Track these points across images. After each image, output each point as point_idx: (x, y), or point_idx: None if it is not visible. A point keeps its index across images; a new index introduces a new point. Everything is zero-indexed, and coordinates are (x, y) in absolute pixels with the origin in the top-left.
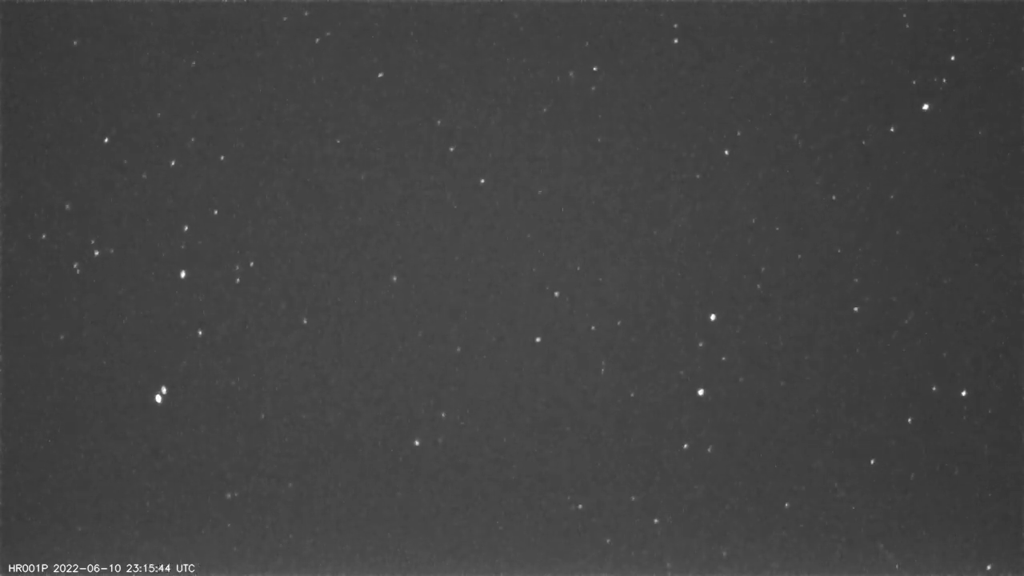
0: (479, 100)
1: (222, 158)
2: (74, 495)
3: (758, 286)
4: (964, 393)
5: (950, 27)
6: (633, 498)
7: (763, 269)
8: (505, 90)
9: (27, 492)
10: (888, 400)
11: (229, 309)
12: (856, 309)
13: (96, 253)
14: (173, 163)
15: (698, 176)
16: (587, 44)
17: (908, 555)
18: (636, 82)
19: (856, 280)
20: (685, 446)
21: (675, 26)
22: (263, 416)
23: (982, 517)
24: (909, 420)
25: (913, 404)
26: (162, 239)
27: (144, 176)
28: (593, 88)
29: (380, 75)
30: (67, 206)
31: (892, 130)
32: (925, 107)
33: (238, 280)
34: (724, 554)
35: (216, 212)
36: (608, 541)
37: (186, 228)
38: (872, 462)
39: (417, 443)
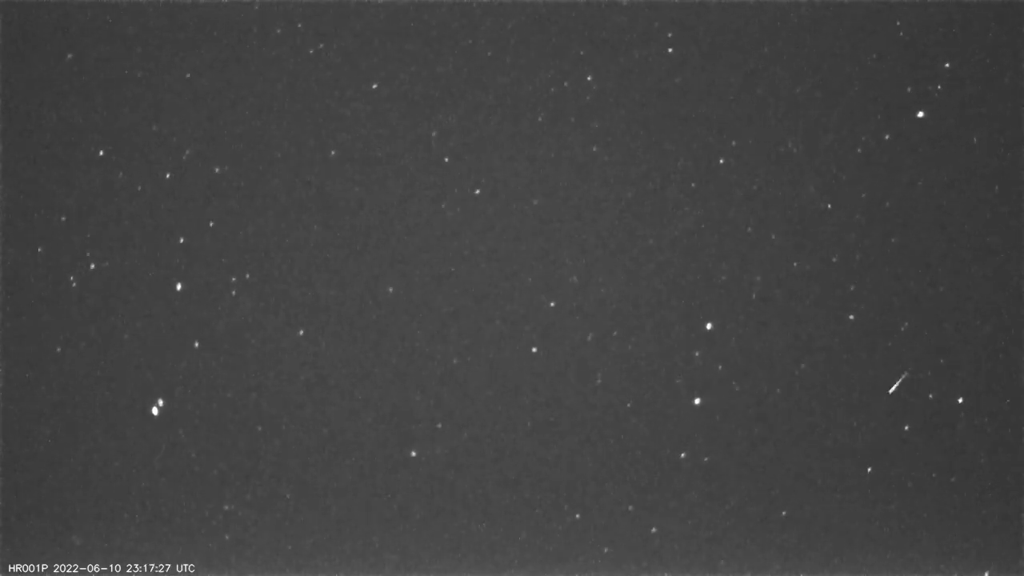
0: (473, 110)
1: (217, 170)
2: (74, 495)
3: (754, 295)
4: (961, 400)
5: (945, 34)
6: (630, 507)
7: (758, 278)
8: (498, 101)
9: (27, 492)
10: (884, 408)
11: (225, 321)
12: (851, 317)
13: (92, 266)
14: (168, 175)
15: (693, 185)
16: (581, 54)
17: (908, 559)
18: (630, 93)
19: (852, 288)
20: (682, 455)
21: (669, 35)
22: (260, 428)
23: (980, 525)
24: (906, 427)
25: (909, 411)
26: (158, 251)
27: (139, 188)
28: (588, 98)
29: (374, 86)
30: (63, 218)
31: (887, 138)
32: (920, 115)
33: (234, 292)
34: (721, 563)
35: (212, 224)
36: (606, 550)
37: (182, 240)
38: (869, 470)
39: (414, 454)
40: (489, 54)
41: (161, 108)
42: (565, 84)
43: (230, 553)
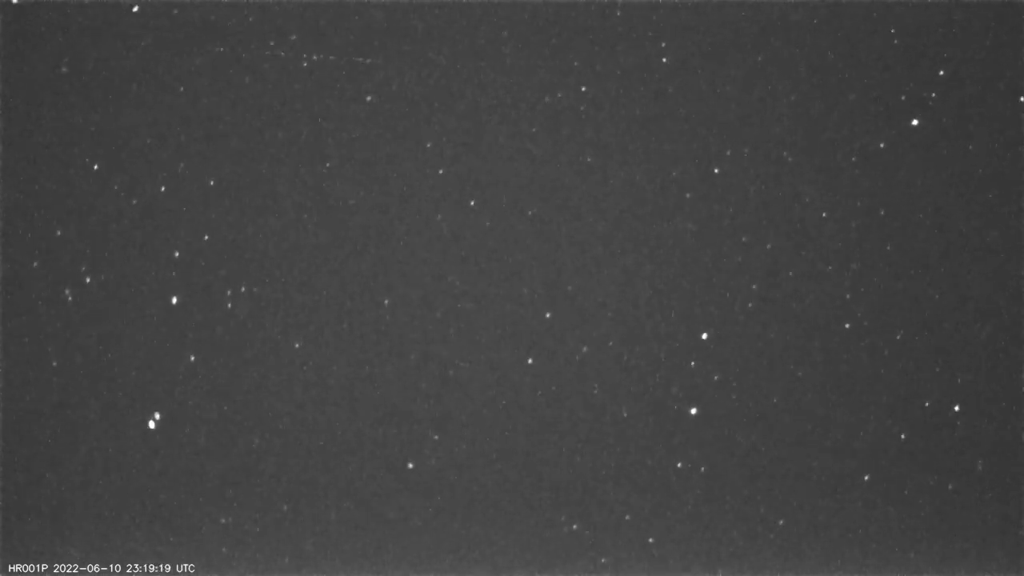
0: (469, 117)
1: (212, 183)
2: (74, 495)
3: (750, 304)
4: (957, 408)
5: (940, 41)
6: (627, 517)
7: (754, 287)
8: (494, 107)
9: (27, 492)
10: (881, 416)
11: (221, 334)
12: (848, 325)
13: (88, 280)
14: (163, 188)
15: (688, 194)
16: (576, 63)
17: (906, 572)
18: (625, 101)
19: (848, 296)
20: (678, 465)
21: (663, 45)
22: (256, 443)
23: (979, 533)
24: (903, 436)
25: (906, 419)
26: (153, 265)
27: (134, 202)
28: (582, 108)
29: (368, 98)
30: (58, 232)
31: (882, 146)
32: (914, 122)
33: (229, 305)
34: (719, 572)
35: (207, 237)
36: (603, 560)
37: (177, 254)
38: (866, 478)
39: (411, 465)
40: (484, 60)
41: (157, 115)
42: (559, 95)
43: (230, 554)
